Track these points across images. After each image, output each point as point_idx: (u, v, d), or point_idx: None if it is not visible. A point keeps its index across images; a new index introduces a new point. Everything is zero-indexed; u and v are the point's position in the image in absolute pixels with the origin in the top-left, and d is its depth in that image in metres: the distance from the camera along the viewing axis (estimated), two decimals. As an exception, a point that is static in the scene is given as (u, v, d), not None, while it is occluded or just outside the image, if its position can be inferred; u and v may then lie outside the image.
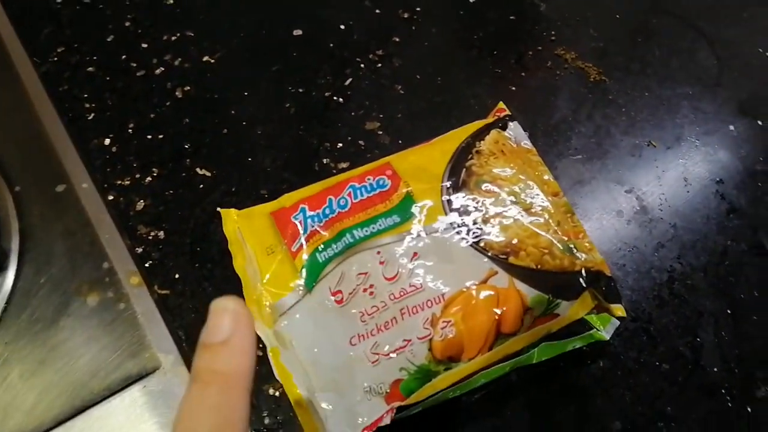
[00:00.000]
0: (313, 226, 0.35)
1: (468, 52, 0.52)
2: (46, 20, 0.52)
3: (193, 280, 0.40)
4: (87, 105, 0.47)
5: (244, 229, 0.36)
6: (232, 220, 0.37)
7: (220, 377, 0.22)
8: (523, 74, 0.51)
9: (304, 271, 0.34)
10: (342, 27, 0.53)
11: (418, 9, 0.55)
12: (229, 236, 0.37)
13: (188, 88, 0.48)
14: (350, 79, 0.50)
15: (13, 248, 0.40)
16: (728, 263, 0.43)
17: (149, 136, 0.46)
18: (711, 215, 0.45)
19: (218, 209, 0.38)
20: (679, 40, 0.55)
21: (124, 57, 0.50)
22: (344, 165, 0.45)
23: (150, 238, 0.42)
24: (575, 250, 0.35)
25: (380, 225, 0.35)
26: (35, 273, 0.40)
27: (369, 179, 0.37)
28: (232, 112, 0.48)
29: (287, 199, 0.37)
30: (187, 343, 0.38)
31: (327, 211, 0.36)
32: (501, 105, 0.42)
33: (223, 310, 0.23)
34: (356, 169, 0.38)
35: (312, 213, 0.36)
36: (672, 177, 0.47)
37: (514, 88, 0.50)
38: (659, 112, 0.50)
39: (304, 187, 0.38)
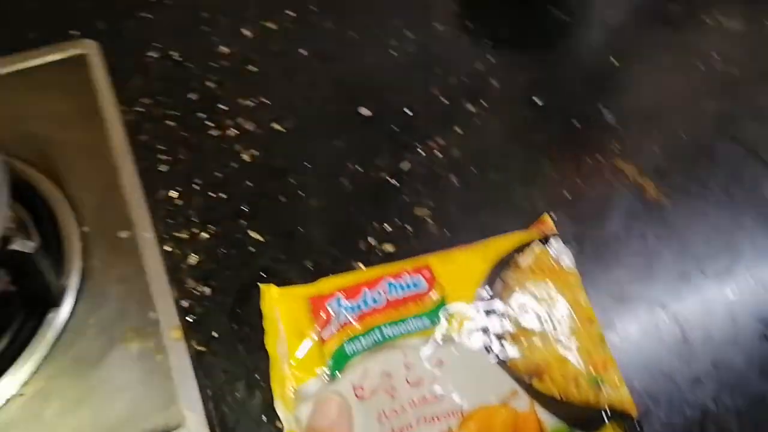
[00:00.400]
0: (346, 317, 0.36)
1: (527, 153, 0.53)
2: (138, 71, 0.56)
3: (228, 341, 0.42)
4: (161, 156, 0.50)
5: (281, 307, 0.38)
6: (270, 296, 0.39)
7: None
8: (579, 182, 0.51)
9: (331, 360, 0.35)
10: (407, 111, 0.55)
11: (484, 104, 0.56)
12: (265, 312, 0.38)
13: (256, 152, 0.51)
14: (408, 164, 0.52)
15: (72, 286, 0.43)
16: (766, 412, 0.42)
17: (212, 194, 0.49)
18: (754, 358, 0.44)
19: (258, 284, 0.39)
20: (742, 168, 0.53)
21: (202, 115, 0.53)
22: (389, 248, 0.46)
23: (196, 292, 0.44)
24: (602, 384, 0.35)
25: (410, 326, 0.36)
26: (87, 313, 0.42)
27: (405, 277, 0.38)
28: (292, 181, 0.50)
29: (325, 285, 0.38)
30: (213, 402, 0.39)
31: (361, 304, 0.37)
32: (546, 217, 0.43)
33: (330, 400, 0.30)
34: (395, 264, 0.40)
35: (347, 303, 0.37)
36: (718, 310, 0.45)
37: (569, 195, 0.50)
38: (714, 241, 0.49)
39: (343, 273, 0.40)
